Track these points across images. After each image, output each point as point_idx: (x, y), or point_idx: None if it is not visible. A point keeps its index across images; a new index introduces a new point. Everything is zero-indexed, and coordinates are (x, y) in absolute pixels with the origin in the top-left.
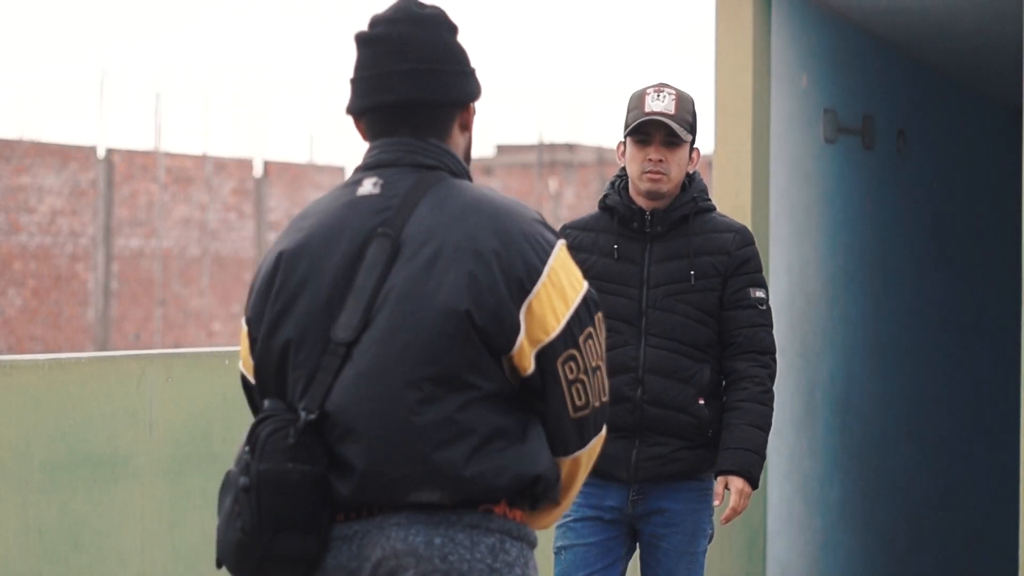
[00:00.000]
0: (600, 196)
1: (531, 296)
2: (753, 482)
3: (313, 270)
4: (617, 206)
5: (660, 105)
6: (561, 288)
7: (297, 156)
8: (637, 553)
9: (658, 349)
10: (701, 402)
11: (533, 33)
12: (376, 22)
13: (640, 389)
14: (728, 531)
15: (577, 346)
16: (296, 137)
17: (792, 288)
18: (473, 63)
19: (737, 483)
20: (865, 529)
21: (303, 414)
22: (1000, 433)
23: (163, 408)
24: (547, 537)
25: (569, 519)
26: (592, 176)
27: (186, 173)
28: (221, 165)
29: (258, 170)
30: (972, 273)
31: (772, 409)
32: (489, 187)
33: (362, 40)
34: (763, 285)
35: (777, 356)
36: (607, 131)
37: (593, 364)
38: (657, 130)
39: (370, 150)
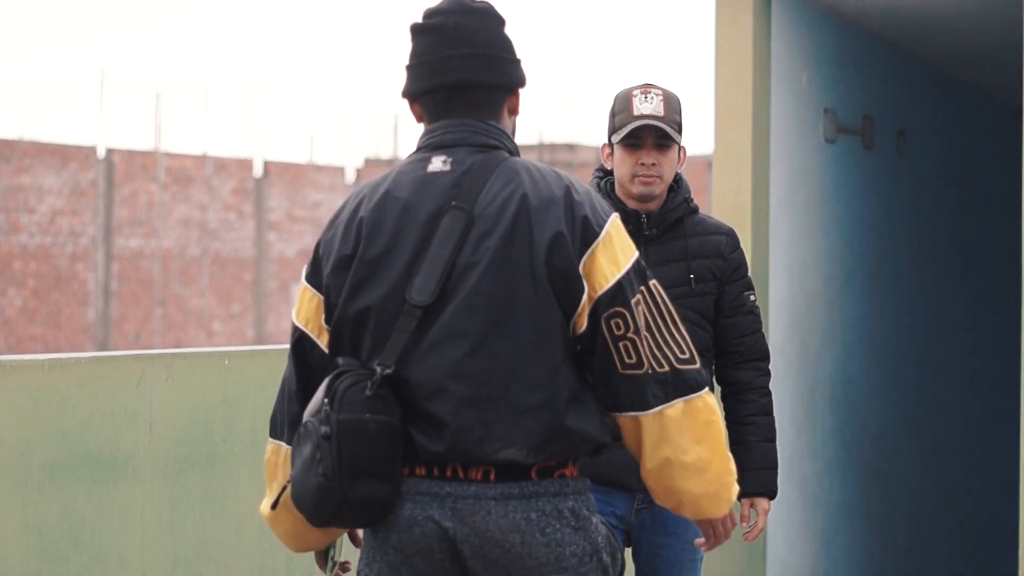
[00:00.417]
0: None
1: (587, 254)
2: (775, 495)
3: (393, 242)
4: None
5: (649, 108)
6: (614, 251)
7: (297, 156)
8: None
9: None
10: None
11: (533, 33)
12: (432, 13)
13: None
14: None
15: (627, 305)
16: (296, 137)
17: (792, 288)
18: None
19: (764, 504)
20: (865, 529)
21: (379, 369)
22: (1000, 432)
23: (163, 408)
24: None
25: None
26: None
27: (186, 173)
28: (221, 165)
29: (258, 170)
30: (972, 273)
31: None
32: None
33: (419, 29)
34: (753, 287)
35: (776, 356)
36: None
37: (645, 327)
38: (648, 133)
39: (432, 131)
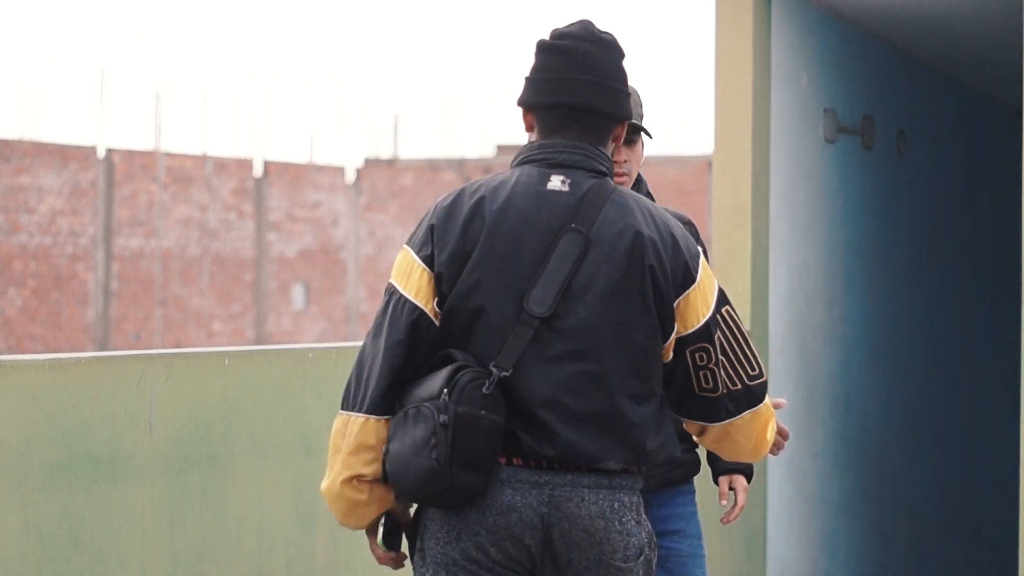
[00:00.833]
0: None
1: (682, 296)
2: (751, 477)
3: (512, 250)
4: None
5: None
6: (705, 293)
7: (297, 156)
8: None
9: None
10: None
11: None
12: (562, 35)
13: None
14: (728, 531)
15: (710, 341)
16: (296, 137)
17: (792, 288)
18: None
19: (742, 481)
20: (865, 529)
21: (495, 371)
22: (1000, 433)
23: (163, 408)
24: None
25: None
26: None
27: (186, 173)
28: (221, 165)
29: (258, 170)
30: (972, 273)
31: None
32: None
33: (548, 48)
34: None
35: (776, 356)
36: None
37: (722, 353)
38: None
39: (548, 146)
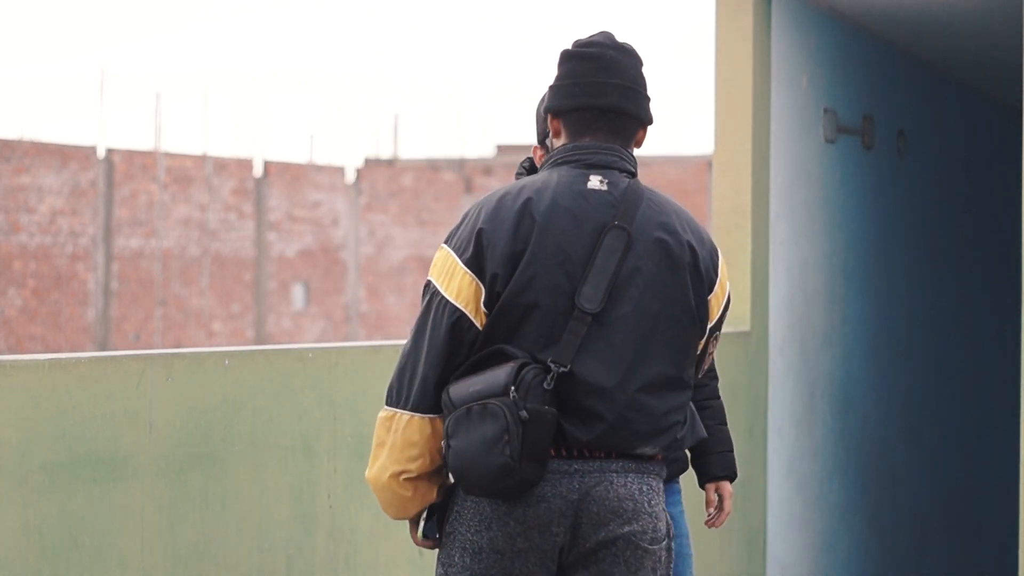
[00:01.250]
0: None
1: (711, 293)
2: (735, 478)
3: (561, 248)
4: None
5: None
6: (724, 287)
7: (297, 156)
8: None
9: None
10: None
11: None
12: (587, 44)
13: None
14: (728, 531)
15: (720, 327)
16: (296, 137)
17: (792, 288)
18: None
19: (728, 488)
20: (865, 529)
21: (553, 367)
22: (1000, 433)
23: (163, 408)
24: None
25: None
26: None
27: (186, 173)
28: (221, 165)
29: (258, 170)
30: (972, 273)
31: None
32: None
33: (576, 55)
34: None
35: (776, 356)
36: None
37: (720, 335)
38: None
39: (582, 148)
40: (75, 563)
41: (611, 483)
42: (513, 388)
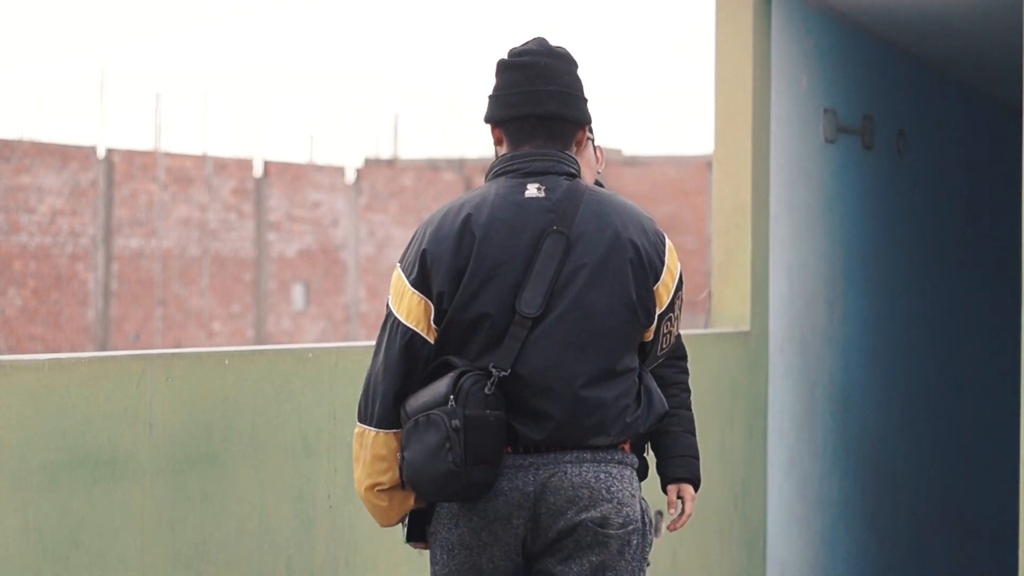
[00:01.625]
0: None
1: (659, 282)
2: (698, 486)
3: (503, 258)
4: None
5: None
6: (672, 274)
7: (297, 156)
8: None
9: None
10: None
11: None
12: (521, 53)
13: None
14: (728, 531)
15: (674, 310)
16: (296, 137)
17: (792, 288)
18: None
19: (689, 490)
20: (865, 529)
21: (494, 371)
22: (1000, 432)
23: (163, 408)
24: None
25: None
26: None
27: (186, 173)
28: (221, 165)
29: (258, 170)
30: (972, 273)
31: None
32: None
33: (510, 65)
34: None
35: (776, 356)
36: (607, 131)
37: (677, 317)
38: None
39: (519, 157)
40: (75, 563)
41: (566, 473)
42: (452, 397)
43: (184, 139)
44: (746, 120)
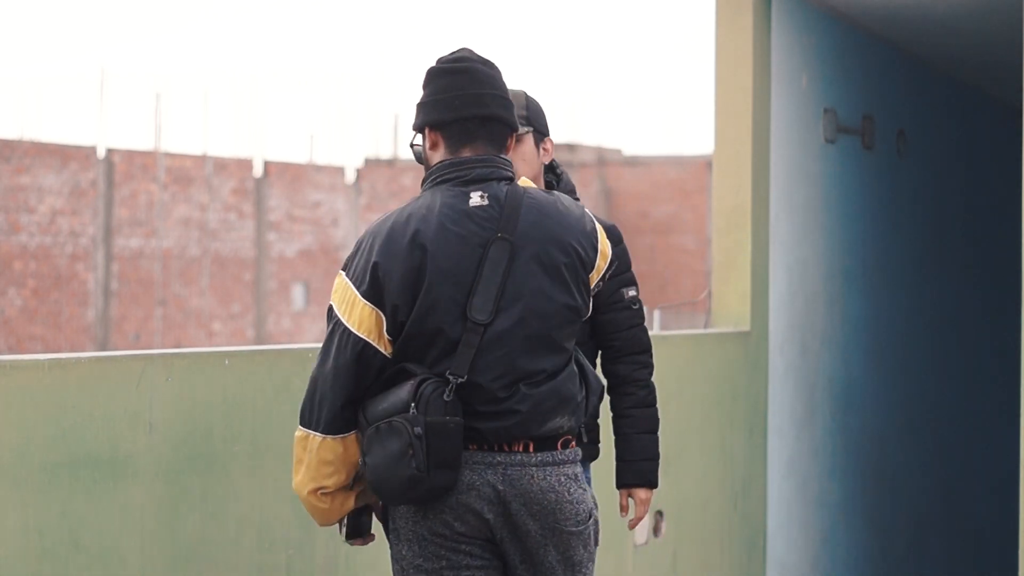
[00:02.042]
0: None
1: (593, 269)
2: (654, 486)
3: (453, 269)
4: None
5: None
6: (604, 255)
7: (297, 156)
8: None
9: None
10: None
11: (532, 34)
12: (457, 59)
13: None
14: (728, 531)
15: (605, 280)
16: (296, 137)
17: (792, 288)
18: None
19: (641, 494)
20: (865, 529)
21: (452, 378)
22: (1000, 433)
23: (163, 408)
24: None
25: None
26: (592, 176)
27: (186, 173)
28: (221, 165)
29: (258, 170)
30: (972, 273)
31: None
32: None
33: (448, 71)
34: (635, 283)
35: (776, 356)
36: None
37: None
38: None
39: (459, 164)
40: (75, 563)
41: (532, 477)
42: (413, 405)
43: (184, 139)
44: (746, 120)
